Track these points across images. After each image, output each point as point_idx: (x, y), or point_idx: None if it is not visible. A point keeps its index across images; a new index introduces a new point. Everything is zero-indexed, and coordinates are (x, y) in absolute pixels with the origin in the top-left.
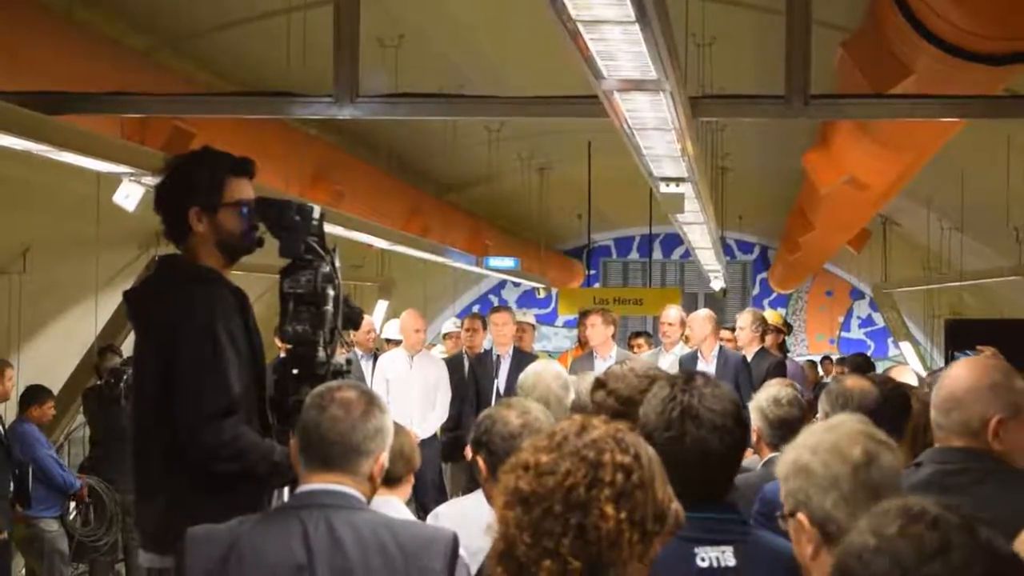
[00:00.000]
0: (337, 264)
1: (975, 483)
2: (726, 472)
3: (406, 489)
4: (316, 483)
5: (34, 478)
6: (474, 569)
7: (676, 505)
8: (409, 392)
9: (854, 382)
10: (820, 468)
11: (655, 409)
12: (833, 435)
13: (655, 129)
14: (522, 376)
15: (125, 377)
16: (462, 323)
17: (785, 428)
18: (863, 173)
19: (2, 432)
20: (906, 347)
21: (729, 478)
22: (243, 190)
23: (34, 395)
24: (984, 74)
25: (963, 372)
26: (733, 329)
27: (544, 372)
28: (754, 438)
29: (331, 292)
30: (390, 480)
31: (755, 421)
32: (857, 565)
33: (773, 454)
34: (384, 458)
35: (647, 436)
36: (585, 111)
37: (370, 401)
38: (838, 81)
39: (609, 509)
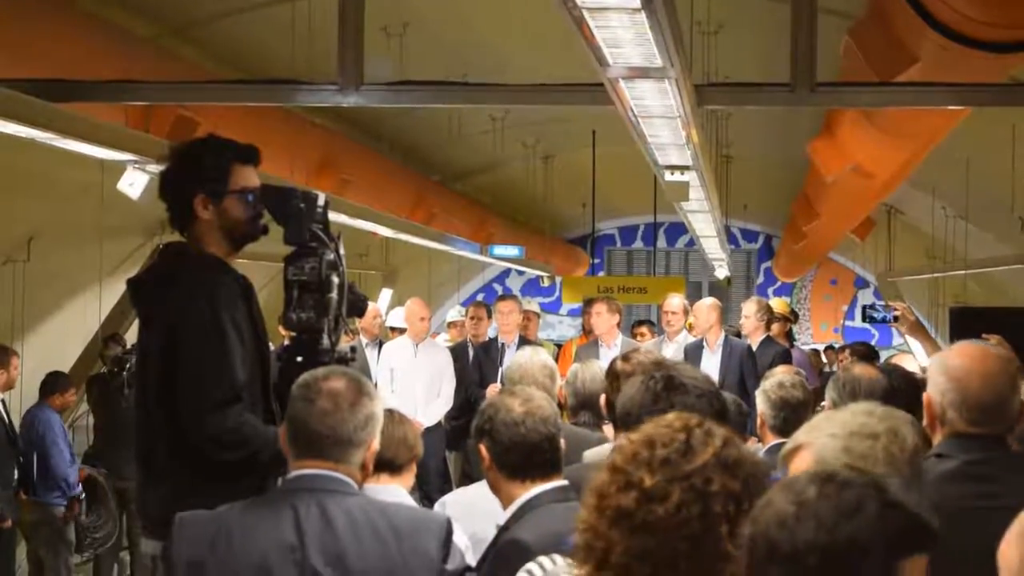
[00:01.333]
0: (341, 251)
1: (1007, 471)
2: None
3: (409, 477)
4: (306, 468)
5: (41, 464)
6: (477, 556)
7: None
8: (414, 380)
9: (862, 370)
10: (842, 450)
11: (637, 389)
12: (858, 417)
13: (660, 117)
14: (508, 366)
15: (129, 365)
16: (467, 311)
17: (788, 409)
18: (868, 161)
19: (7, 420)
20: (910, 336)
21: None
22: (248, 177)
23: (56, 382)
24: (989, 62)
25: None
26: (736, 333)
27: (530, 362)
28: (758, 423)
29: (335, 279)
30: (393, 468)
31: (759, 405)
32: (781, 534)
33: (777, 440)
34: (375, 444)
35: (629, 416)
36: (590, 99)
37: (358, 389)
38: (843, 69)
39: (728, 545)
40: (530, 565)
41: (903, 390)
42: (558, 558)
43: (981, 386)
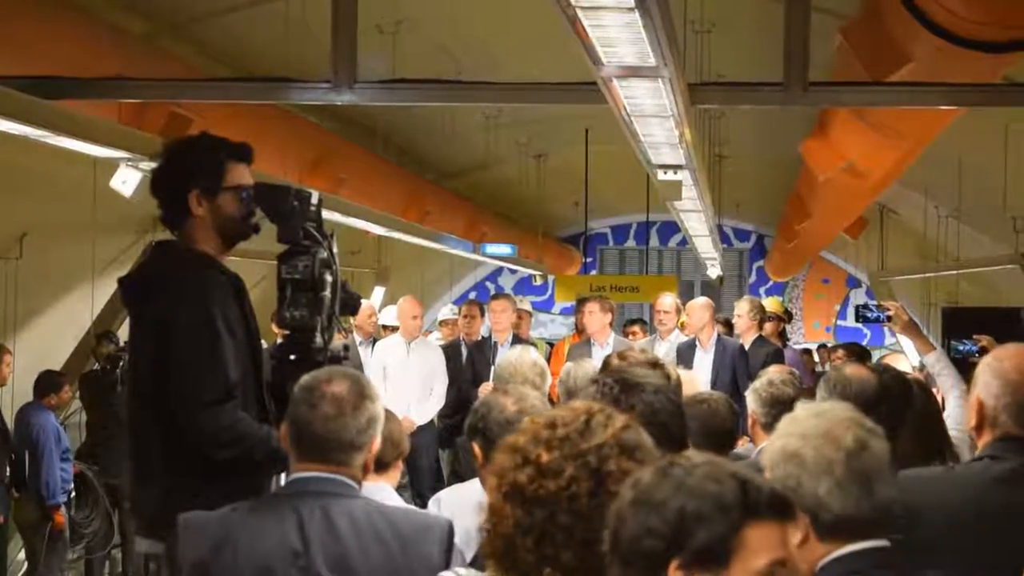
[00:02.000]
0: (335, 250)
1: None
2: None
3: (395, 474)
4: (309, 471)
5: (32, 465)
6: (470, 553)
7: None
8: (407, 379)
9: (853, 370)
10: (812, 454)
11: (595, 394)
12: (823, 421)
13: (653, 116)
14: (498, 364)
15: (122, 363)
16: (460, 310)
17: (778, 406)
18: (861, 161)
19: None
20: (903, 336)
21: (682, 440)
22: (242, 175)
23: (51, 382)
24: (982, 62)
25: None
26: (727, 322)
27: (520, 360)
28: (749, 423)
29: (329, 278)
30: (379, 465)
31: (750, 404)
32: (621, 525)
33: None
34: (376, 444)
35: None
36: (583, 97)
37: (360, 393)
38: (836, 69)
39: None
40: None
41: (894, 390)
42: (460, 570)
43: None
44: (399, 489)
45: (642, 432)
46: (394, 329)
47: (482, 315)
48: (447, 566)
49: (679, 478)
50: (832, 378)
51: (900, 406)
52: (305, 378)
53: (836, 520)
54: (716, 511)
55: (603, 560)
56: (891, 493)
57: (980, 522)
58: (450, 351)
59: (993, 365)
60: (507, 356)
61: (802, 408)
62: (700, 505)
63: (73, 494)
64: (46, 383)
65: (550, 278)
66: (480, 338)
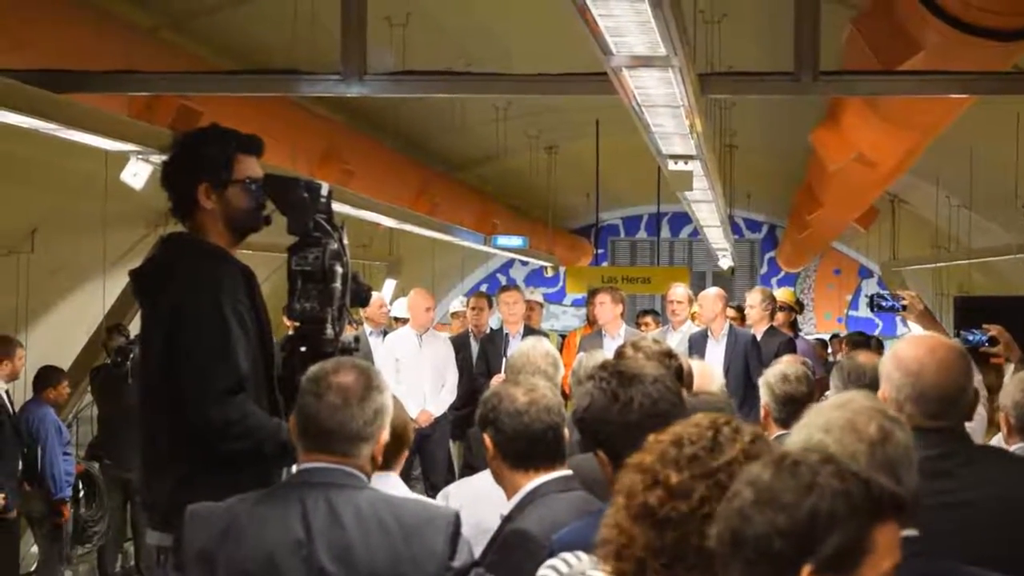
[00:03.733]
0: (345, 241)
1: (964, 465)
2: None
3: (399, 465)
4: (316, 462)
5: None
6: (481, 546)
7: None
8: (420, 371)
9: (866, 358)
10: (835, 447)
11: (594, 396)
12: (846, 412)
13: (664, 106)
14: (511, 355)
15: (132, 355)
16: (468, 302)
17: (792, 405)
18: (871, 150)
19: (11, 411)
20: (915, 326)
21: None
22: (252, 167)
23: (48, 376)
24: (993, 50)
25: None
26: (739, 308)
27: (532, 351)
28: (762, 414)
29: (339, 269)
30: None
31: (763, 397)
32: (743, 523)
33: (780, 432)
34: (385, 435)
35: (592, 416)
36: (593, 88)
37: (368, 383)
38: (847, 58)
39: None
40: (554, 561)
41: None
42: (582, 555)
43: (938, 378)
44: (412, 480)
45: (768, 441)
46: (406, 321)
47: (490, 307)
48: (452, 556)
49: (807, 477)
50: (846, 367)
51: None
52: (312, 369)
53: None
54: (849, 512)
55: None
56: (916, 482)
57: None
58: (458, 343)
59: (893, 357)
60: (520, 347)
61: (826, 401)
62: (833, 506)
63: (81, 493)
64: (44, 378)
65: (561, 270)
66: (491, 330)
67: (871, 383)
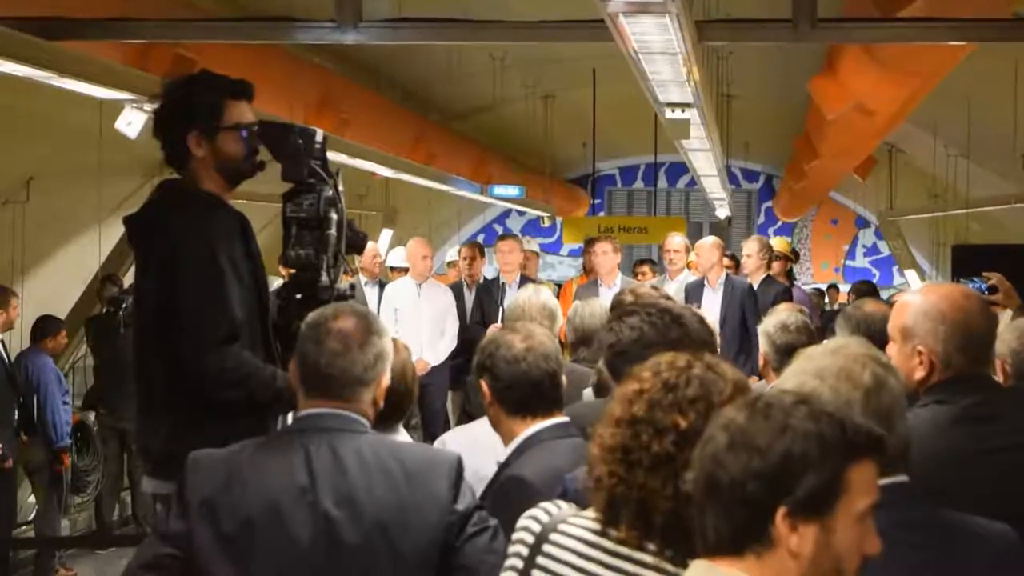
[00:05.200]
0: (341, 188)
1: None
2: None
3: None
4: (317, 408)
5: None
6: (478, 492)
7: None
8: (418, 320)
9: (875, 306)
10: (829, 394)
11: (641, 324)
12: (839, 359)
13: (661, 53)
14: (509, 304)
15: (125, 305)
16: (459, 251)
17: (793, 355)
18: (870, 99)
19: (8, 360)
20: (911, 275)
21: None
22: (242, 113)
23: (47, 326)
24: None
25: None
26: (734, 257)
27: (529, 301)
28: (761, 363)
29: (334, 216)
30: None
31: (762, 346)
32: (717, 468)
33: (778, 380)
34: (386, 379)
35: (640, 347)
36: (590, 35)
37: (367, 328)
38: (846, 5)
39: None
40: (534, 511)
41: None
42: (562, 503)
43: (981, 324)
44: (411, 430)
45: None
46: (403, 271)
47: (482, 256)
48: (455, 501)
49: (780, 419)
50: (855, 316)
51: None
52: (312, 315)
53: None
54: (822, 453)
55: None
56: (907, 429)
57: (961, 468)
58: (452, 293)
59: (931, 311)
60: (517, 296)
61: (817, 347)
62: (806, 447)
63: (75, 443)
64: (42, 327)
65: (558, 220)
66: (487, 279)
67: (881, 332)
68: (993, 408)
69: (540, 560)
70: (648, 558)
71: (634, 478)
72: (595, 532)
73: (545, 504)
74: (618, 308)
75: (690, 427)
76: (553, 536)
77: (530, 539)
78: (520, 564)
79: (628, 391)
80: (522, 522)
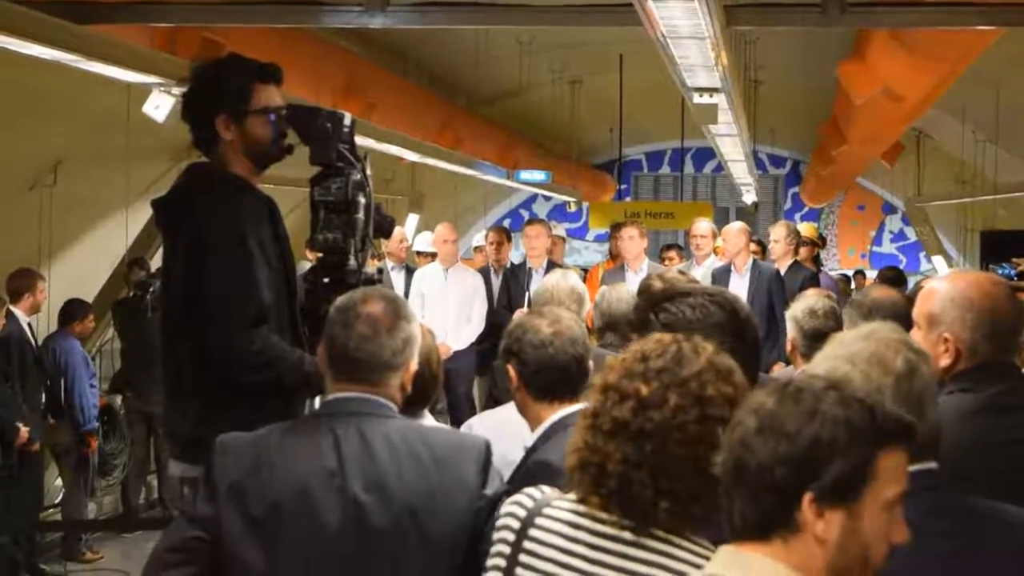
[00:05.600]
0: (368, 172)
1: None
2: None
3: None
4: (346, 392)
5: (66, 391)
6: (506, 477)
7: None
8: (443, 305)
9: (882, 292)
10: (860, 379)
11: (706, 303)
12: (871, 344)
13: (689, 38)
14: (536, 289)
15: (152, 288)
16: (486, 236)
17: (821, 340)
18: (898, 84)
19: (35, 344)
20: (939, 261)
21: None
22: (271, 96)
23: (75, 310)
24: None
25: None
26: (761, 243)
27: (558, 286)
28: (788, 348)
29: (362, 200)
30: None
31: (791, 331)
32: (745, 452)
33: (808, 365)
34: (414, 364)
35: (707, 328)
36: (618, 20)
37: (396, 313)
38: None
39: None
40: (518, 496)
41: None
42: (545, 487)
43: (1009, 312)
44: (436, 414)
45: (727, 356)
46: (429, 256)
47: (509, 240)
48: (484, 486)
49: (810, 404)
50: (865, 303)
51: None
52: (340, 299)
53: None
54: (851, 439)
55: (715, 485)
56: (938, 415)
57: (985, 456)
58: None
59: (960, 298)
60: (545, 281)
61: (849, 331)
62: (835, 432)
63: (102, 426)
64: (70, 311)
65: (584, 205)
66: (513, 264)
67: (892, 318)
68: (1020, 397)
69: (527, 544)
70: (627, 535)
71: (595, 442)
72: (578, 514)
73: (529, 489)
74: (665, 292)
75: (650, 395)
76: (538, 520)
77: (516, 524)
78: (507, 550)
79: (614, 361)
80: (506, 508)
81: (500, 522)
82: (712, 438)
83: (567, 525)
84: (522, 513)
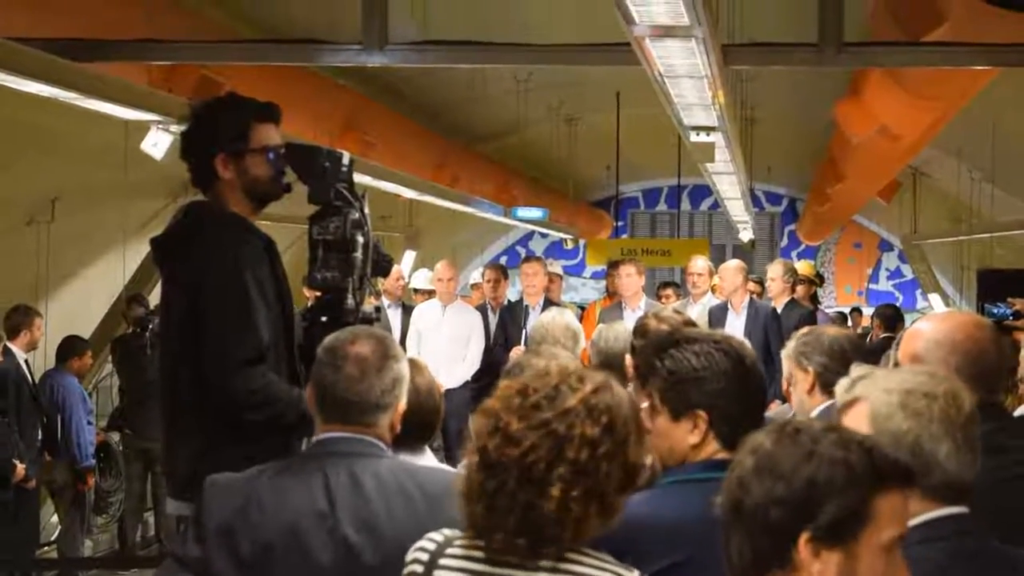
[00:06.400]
0: (367, 211)
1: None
2: None
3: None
4: (335, 432)
5: (63, 427)
6: None
7: (651, 459)
8: (437, 342)
9: (835, 331)
10: (939, 414)
11: (712, 351)
12: (941, 382)
13: (686, 77)
14: (533, 327)
15: (151, 326)
16: (483, 274)
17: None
18: (894, 123)
19: (31, 380)
20: (935, 299)
21: None
22: (269, 135)
23: (73, 346)
24: (1017, 22)
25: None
26: (760, 282)
27: (553, 323)
28: (784, 386)
29: (360, 239)
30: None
31: (786, 368)
32: (742, 492)
33: (829, 401)
34: (403, 404)
35: (710, 382)
36: (615, 59)
37: (384, 353)
38: (871, 29)
39: (555, 491)
40: (421, 542)
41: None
42: (447, 531)
43: (993, 353)
44: (435, 452)
45: (617, 392)
46: (426, 293)
47: (506, 278)
48: None
49: (807, 445)
50: (822, 342)
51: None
52: (328, 339)
53: (946, 483)
54: (847, 481)
55: (548, 522)
56: (977, 461)
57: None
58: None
59: (944, 340)
60: (541, 319)
61: (906, 369)
62: (831, 474)
63: (99, 464)
64: (68, 348)
65: (581, 242)
66: (510, 301)
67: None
68: (1011, 435)
69: None
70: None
71: (471, 465)
72: (468, 547)
73: (431, 534)
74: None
75: (516, 431)
76: (442, 561)
77: (420, 570)
78: None
79: (504, 387)
80: (411, 555)
81: (406, 570)
82: (551, 484)
83: (465, 560)
84: (425, 557)
